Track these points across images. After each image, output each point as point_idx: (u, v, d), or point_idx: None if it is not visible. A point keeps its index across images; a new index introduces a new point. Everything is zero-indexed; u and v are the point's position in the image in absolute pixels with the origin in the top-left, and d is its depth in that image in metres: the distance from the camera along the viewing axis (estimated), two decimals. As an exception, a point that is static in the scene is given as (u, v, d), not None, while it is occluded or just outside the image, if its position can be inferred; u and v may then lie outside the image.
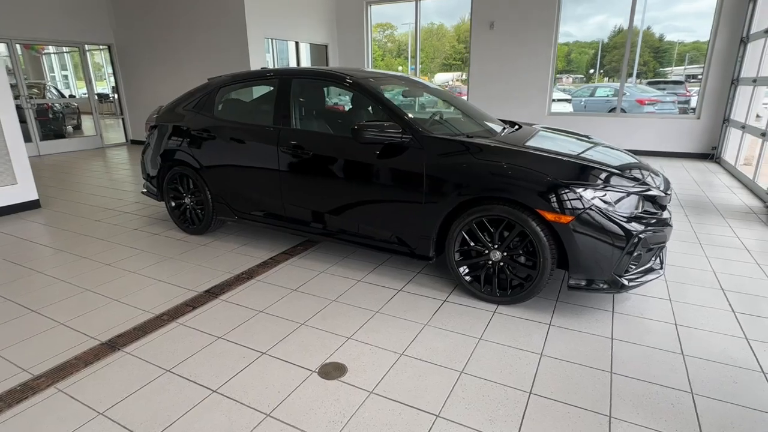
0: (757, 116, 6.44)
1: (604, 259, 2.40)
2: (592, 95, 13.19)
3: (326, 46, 10.11)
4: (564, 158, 2.61)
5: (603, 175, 2.51)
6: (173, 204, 4.11)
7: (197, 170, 3.78)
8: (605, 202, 2.41)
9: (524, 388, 2.01)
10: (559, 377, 2.08)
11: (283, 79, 3.44)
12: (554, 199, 2.41)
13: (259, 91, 3.90)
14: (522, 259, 2.62)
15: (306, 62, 9.83)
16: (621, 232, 2.37)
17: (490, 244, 2.66)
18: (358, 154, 2.99)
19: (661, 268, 2.67)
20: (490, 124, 3.41)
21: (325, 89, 3.87)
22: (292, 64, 9.52)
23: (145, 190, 4.38)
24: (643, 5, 8.11)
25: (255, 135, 3.47)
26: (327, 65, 10.21)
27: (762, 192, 4.94)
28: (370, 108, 3.52)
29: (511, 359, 2.22)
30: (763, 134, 5.27)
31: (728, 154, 6.86)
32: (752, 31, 6.53)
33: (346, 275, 3.19)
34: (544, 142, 3.00)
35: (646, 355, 2.24)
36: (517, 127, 3.51)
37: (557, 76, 9.10)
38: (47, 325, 2.58)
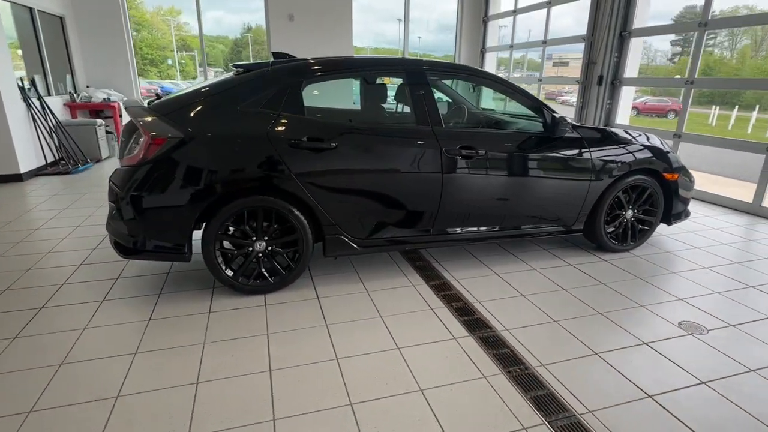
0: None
1: (685, 198, 3.66)
2: None
3: (62, 18, 7.13)
4: (659, 137, 3.65)
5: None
6: (220, 257, 2.66)
7: (295, 197, 2.65)
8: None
9: None
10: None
11: (415, 72, 2.90)
12: (668, 164, 3.45)
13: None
14: (639, 212, 3.55)
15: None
16: (691, 178, 3.67)
17: (627, 206, 3.45)
18: (530, 149, 3.07)
19: None
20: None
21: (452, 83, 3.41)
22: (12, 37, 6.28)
23: (129, 245, 2.55)
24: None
25: (405, 139, 2.81)
26: (67, 42, 7.26)
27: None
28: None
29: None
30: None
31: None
32: (487, 46, 9.39)
33: (568, 264, 3.23)
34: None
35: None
36: None
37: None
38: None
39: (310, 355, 2.19)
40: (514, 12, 8.40)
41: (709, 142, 5.21)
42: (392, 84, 3.80)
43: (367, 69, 3.04)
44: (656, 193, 3.46)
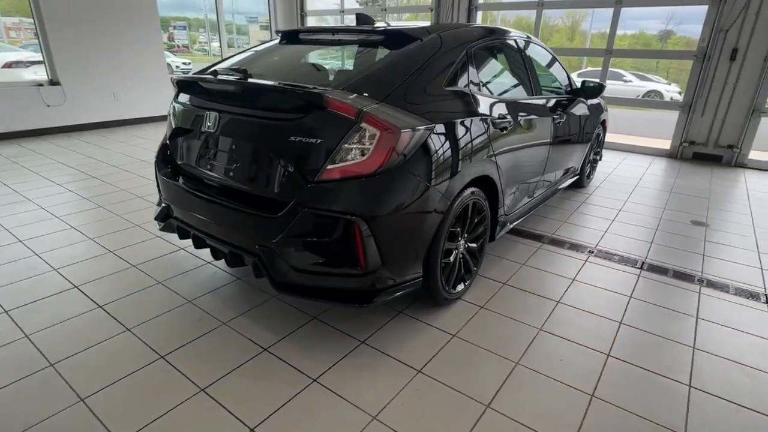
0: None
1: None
2: None
3: None
4: None
5: None
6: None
7: (489, 182, 2.40)
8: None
9: None
10: None
11: (518, 42, 2.92)
12: (605, 115, 4.58)
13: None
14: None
15: None
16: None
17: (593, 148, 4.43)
18: (579, 110, 3.58)
19: None
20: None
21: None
22: None
23: (387, 288, 1.84)
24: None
25: (539, 112, 2.91)
26: None
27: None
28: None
29: None
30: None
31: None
32: (308, 9, 9.05)
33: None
34: None
35: (615, 173, 5.17)
36: None
37: None
38: None
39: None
40: (341, -24, 8.37)
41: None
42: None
43: (505, 38, 2.83)
44: (602, 136, 4.58)
